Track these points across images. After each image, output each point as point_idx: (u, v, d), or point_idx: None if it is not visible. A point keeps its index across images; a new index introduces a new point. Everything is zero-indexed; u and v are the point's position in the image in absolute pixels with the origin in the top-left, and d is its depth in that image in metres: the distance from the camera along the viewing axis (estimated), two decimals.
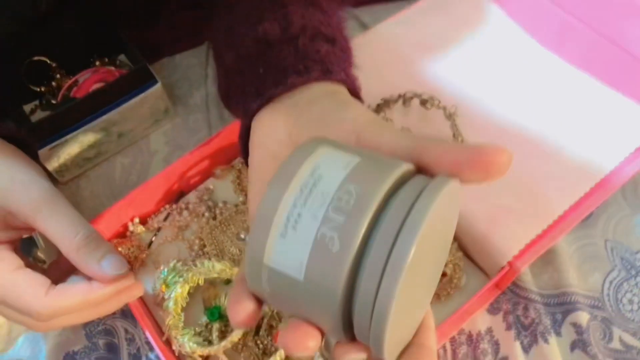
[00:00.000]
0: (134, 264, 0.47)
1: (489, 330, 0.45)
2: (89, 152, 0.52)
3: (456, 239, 0.46)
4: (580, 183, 0.46)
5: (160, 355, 0.41)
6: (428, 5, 0.58)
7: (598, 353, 0.43)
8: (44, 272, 0.42)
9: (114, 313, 0.46)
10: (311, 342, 0.24)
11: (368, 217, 0.21)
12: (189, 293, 0.44)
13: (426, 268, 0.24)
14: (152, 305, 0.46)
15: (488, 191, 0.45)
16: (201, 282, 0.44)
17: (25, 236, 0.43)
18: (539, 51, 0.55)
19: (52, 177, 0.52)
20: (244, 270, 0.25)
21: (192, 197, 0.50)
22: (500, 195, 0.45)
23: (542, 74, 0.53)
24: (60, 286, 0.38)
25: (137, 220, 0.49)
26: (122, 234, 0.49)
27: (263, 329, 0.44)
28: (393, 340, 0.22)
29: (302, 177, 0.23)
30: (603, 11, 0.53)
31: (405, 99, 0.49)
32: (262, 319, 0.44)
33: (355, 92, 0.35)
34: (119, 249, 0.47)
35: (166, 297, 0.44)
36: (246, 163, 0.34)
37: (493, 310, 0.46)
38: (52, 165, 0.51)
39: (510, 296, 0.46)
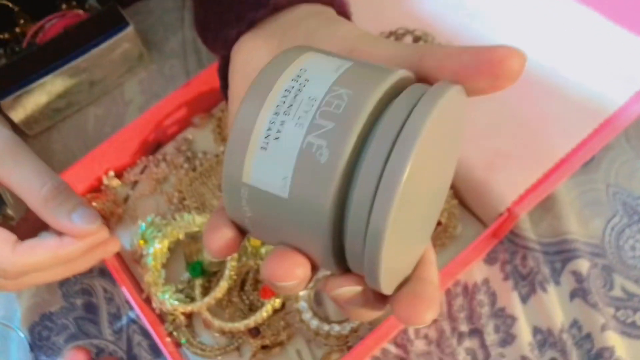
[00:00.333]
0: (110, 220, 0.45)
1: (486, 281, 0.43)
2: (58, 102, 0.49)
3: (451, 186, 0.43)
4: (583, 124, 0.43)
5: (140, 313, 0.39)
6: None
7: (599, 301, 0.41)
8: (12, 229, 0.40)
9: (90, 271, 0.44)
10: (298, 269, 0.20)
11: (361, 122, 0.18)
12: (169, 249, 0.42)
13: (427, 191, 0.21)
14: (130, 262, 0.44)
15: (485, 135, 0.43)
16: (181, 237, 0.42)
17: None
18: None
19: (20, 130, 0.48)
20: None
21: (169, 148, 0.47)
22: (498, 139, 0.42)
23: (541, 9, 0.49)
24: (28, 241, 0.35)
25: (111, 173, 0.46)
26: (97, 188, 0.46)
27: (249, 283, 0.42)
28: (390, 269, 0.19)
29: (286, 81, 0.20)
30: None
31: (397, 36, 0.45)
32: (247, 273, 0.42)
33: (344, 12, 0.32)
34: (93, 204, 0.44)
35: (145, 253, 0.41)
36: (226, 98, 0.31)
37: (490, 260, 0.44)
38: (18, 116, 0.47)
39: (507, 245, 0.44)
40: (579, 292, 0.42)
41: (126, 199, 0.46)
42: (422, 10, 0.48)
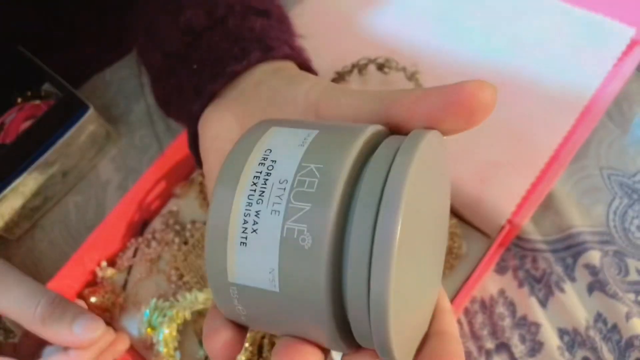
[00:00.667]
0: (114, 311, 0.43)
1: (502, 292, 0.42)
2: (34, 200, 0.47)
3: None
4: (565, 115, 0.43)
5: None
6: None
7: (618, 290, 0.40)
8: (14, 349, 0.39)
9: None
10: None
11: (337, 196, 0.17)
12: (178, 331, 0.41)
13: (426, 240, 0.20)
14: (142, 350, 0.42)
15: (471, 149, 0.42)
16: (188, 317, 0.41)
17: None
18: None
19: (1, 237, 0.47)
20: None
21: (157, 224, 0.46)
22: (484, 150, 0.42)
23: (498, 8, 0.49)
24: None
25: (104, 263, 0.44)
26: (93, 282, 0.45)
27: (266, 349, 0.41)
28: (403, 336, 0.18)
29: (252, 167, 0.19)
30: None
31: (360, 67, 0.44)
32: (262, 338, 0.41)
33: (305, 65, 0.31)
34: (93, 298, 0.43)
35: (155, 341, 0.40)
36: (203, 174, 0.30)
37: (501, 269, 0.43)
38: None
39: (515, 251, 0.43)
40: (596, 285, 0.41)
41: (124, 286, 0.44)
42: (378, 35, 0.47)
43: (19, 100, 0.51)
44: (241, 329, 0.22)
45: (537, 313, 0.41)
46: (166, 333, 0.40)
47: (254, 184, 0.19)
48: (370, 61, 0.44)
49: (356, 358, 0.20)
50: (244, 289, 0.19)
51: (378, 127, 0.20)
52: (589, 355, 0.40)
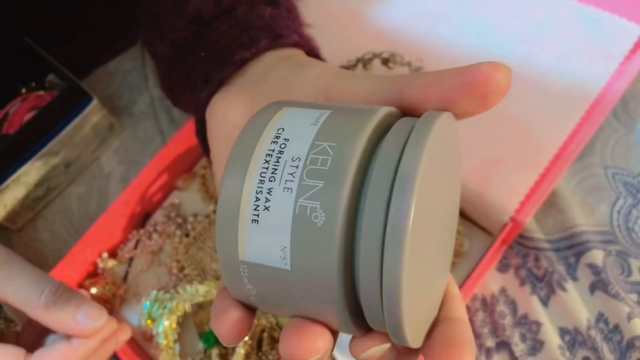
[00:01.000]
0: (114, 302, 0.43)
1: (503, 290, 0.42)
2: (37, 191, 0.48)
3: None
4: (570, 113, 0.42)
5: None
6: None
7: (620, 291, 0.40)
8: (16, 337, 0.39)
9: None
10: (319, 342, 0.19)
11: (351, 174, 0.17)
12: (178, 323, 0.41)
13: (437, 225, 0.20)
14: (142, 341, 0.43)
15: (475, 146, 0.41)
16: (188, 309, 0.41)
17: None
18: None
19: (3, 227, 0.47)
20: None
21: (158, 216, 0.46)
22: (488, 147, 0.41)
23: (505, 4, 0.48)
24: (38, 353, 0.34)
25: (105, 255, 0.44)
26: (94, 273, 0.45)
27: (265, 343, 0.40)
28: (414, 321, 0.18)
29: (265, 146, 0.19)
30: None
31: (365, 62, 0.44)
32: (262, 332, 0.41)
33: (314, 53, 0.31)
34: (93, 289, 0.43)
35: (154, 332, 0.40)
36: (209, 161, 0.30)
37: (503, 267, 0.43)
38: (0, 214, 0.46)
39: (517, 249, 0.43)
40: (599, 284, 0.41)
41: (125, 277, 0.44)
42: (386, 28, 0.47)
43: (23, 90, 0.51)
44: (250, 310, 0.21)
45: (538, 312, 0.41)
46: (166, 325, 0.40)
47: (267, 162, 0.18)
48: (375, 55, 0.44)
49: (365, 341, 0.20)
50: (255, 267, 0.19)
51: (391, 109, 0.20)
52: (590, 355, 0.39)
